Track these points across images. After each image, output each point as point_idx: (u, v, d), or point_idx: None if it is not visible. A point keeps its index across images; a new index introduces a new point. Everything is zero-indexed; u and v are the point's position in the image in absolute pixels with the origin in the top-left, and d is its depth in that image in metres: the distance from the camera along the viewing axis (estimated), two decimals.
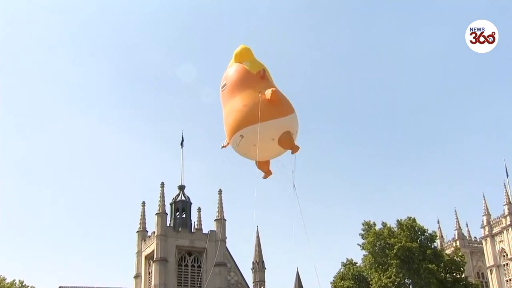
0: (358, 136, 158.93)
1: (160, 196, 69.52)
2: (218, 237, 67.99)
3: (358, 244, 61.69)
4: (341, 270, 64.81)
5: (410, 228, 59.85)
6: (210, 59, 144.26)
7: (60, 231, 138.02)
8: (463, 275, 61.53)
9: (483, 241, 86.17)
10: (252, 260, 76.26)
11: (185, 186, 72.71)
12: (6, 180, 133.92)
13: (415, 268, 56.85)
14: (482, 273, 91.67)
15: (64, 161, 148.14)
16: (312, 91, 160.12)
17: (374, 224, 61.65)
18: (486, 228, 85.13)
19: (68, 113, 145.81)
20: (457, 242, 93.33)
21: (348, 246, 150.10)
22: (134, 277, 70.83)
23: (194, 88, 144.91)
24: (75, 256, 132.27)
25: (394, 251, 57.29)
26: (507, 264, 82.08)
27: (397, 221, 61.20)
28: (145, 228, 72.42)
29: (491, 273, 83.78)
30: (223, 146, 18.54)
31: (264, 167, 18.22)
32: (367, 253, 60.90)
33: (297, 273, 78.60)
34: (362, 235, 61.16)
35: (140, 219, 72.99)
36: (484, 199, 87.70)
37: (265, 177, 18.33)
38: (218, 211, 70.21)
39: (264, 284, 75.57)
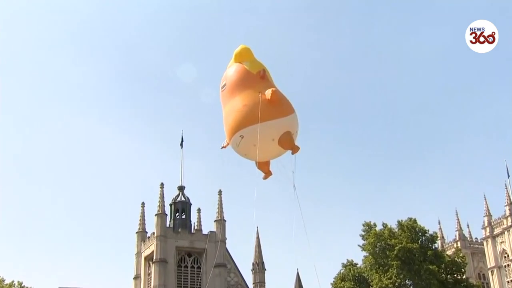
0: (358, 137, 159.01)
1: (159, 197, 69.49)
2: (218, 238, 67.92)
3: (359, 245, 61.61)
4: (342, 271, 64.58)
5: (411, 229, 59.67)
6: (210, 59, 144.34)
7: (59, 232, 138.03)
8: (464, 276, 61.37)
9: (484, 242, 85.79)
10: (252, 261, 75.99)
11: (184, 187, 72.85)
12: (6, 180, 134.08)
13: (415, 269, 56.65)
14: (483, 274, 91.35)
15: (63, 161, 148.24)
16: (312, 91, 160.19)
17: (375, 225, 61.51)
18: (487, 229, 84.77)
19: (67, 113, 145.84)
20: (458, 243, 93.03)
21: (349, 247, 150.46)
22: (134, 278, 70.82)
23: (194, 88, 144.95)
24: (75, 257, 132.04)
25: (395, 252, 57.09)
26: (508, 265, 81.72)
27: (398, 222, 61.08)
28: (145, 229, 72.38)
29: (492, 274, 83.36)
30: (223, 147, 18.46)
31: (264, 167, 18.13)
32: (367, 254, 60.72)
33: (297, 274, 78.65)
34: (362, 236, 60.97)
35: (140, 220, 72.94)
36: (485, 199, 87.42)
37: (265, 178, 18.23)
38: (218, 211, 70.15)
39: (264, 285, 75.27)
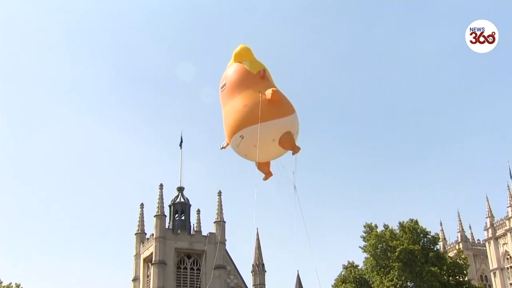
0: (359, 137, 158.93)
1: (158, 198, 69.22)
2: (218, 239, 67.47)
3: (360, 247, 61.35)
4: (343, 273, 64.27)
5: (412, 230, 59.42)
6: (210, 59, 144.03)
7: (57, 233, 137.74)
8: (466, 278, 61.11)
9: (487, 244, 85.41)
10: (252, 262, 75.58)
11: (184, 188, 72.49)
12: (4, 181, 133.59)
13: (417, 271, 56.35)
14: (486, 276, 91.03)
15: (61, 161, 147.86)
16: (312, 91, 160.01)
17: (376, 226, 61.26)
18: (490, 230, 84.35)
19: (66, 113, 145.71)
20: (460, 244, 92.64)
21: (350, 248, 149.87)
22: (133, 280, 70.42)
23: (194, 88, 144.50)
24: (73, 258, 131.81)
25: (396, 253, 56.79)
26: (511, 267, 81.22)
27: (399, 223, 60.83)
28: (144, 230, 72.05)
29: (494, 276, 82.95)
30: (222, 147, 18.29)
31: (264, 168, 17.91)
32: (368, 255, 60.48)
33: (298, 276, 78.43)
34: (363, 238, 60.75)
35: (139, 221, 72.64)
36: (488, 200, 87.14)
37: (265, 179, 18.02)
38: (217, 213, 69.86)
39: (264, 287, 74.77)
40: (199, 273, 66.35)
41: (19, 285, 64.70)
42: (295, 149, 17.46)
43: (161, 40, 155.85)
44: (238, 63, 18.24)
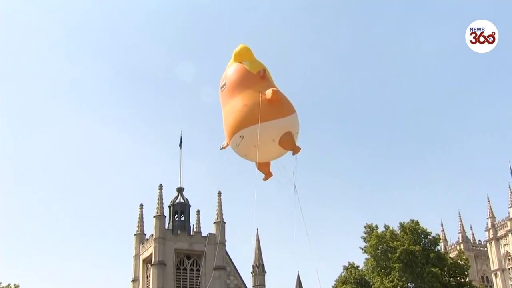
0: (359, 137, 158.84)
1: (158, 198, 69.18)
2: (217, 240, 67.38)
3: (360, 247, 60.98)
4: (343, 274, 64.01)
5: (413, 231, 59.11)
6: (210, 59, 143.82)
7: (56, 234, 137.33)
8: (467, 279, 60.78)
9: (488, 244, 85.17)
10: (252, 263, 75.32)
11: (183, 188, 72.41)
12: (2, 181, 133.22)
13: (418, 272, 56.06)
14: (487, 277, 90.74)
15: (61, 161, 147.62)
16: (312, 91, 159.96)
17: (377, 227, 60.97)
18: (491, 231, 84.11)
19: (65, 113, 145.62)
20: (461, 245, 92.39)
21: (350, 249, 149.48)
22: (132, 281, 70.28)
23: (194, 88, 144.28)
24: (72, 259, 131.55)
25: (397, 254, 56.51)
26: None
27: (400, 224, 60.50)
28: (143, 231, 71.90)
29: (495, 277, 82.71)
30: (222, 147, 18.23)
31: (264, 168, 17.86)
32: (369, 256, 60.16)
33: (298, 276, 78.09)
34: (364, 238, 60.45)
35: (138, 221, 72.55)
36: (489, 201, 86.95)
37: (265, 179, 17.98)
38: (217, 213, 69.79)
39: None
40: (199, 274, 66.29)
41: (18, 286, 64.30)
42: (296, 150, 17.39)
43: (161, 40, 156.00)
44: (238, 63, 18.17)
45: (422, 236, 59.40)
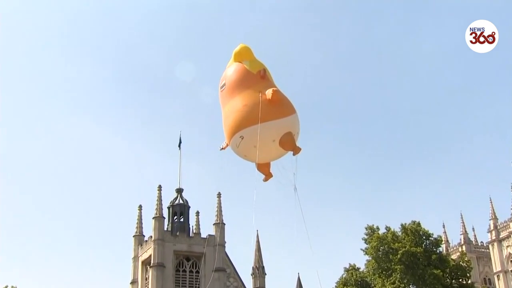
0: (359, 137, 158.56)
1: (157, 199, 69.04)
2: (217, 241, 67.38)
3: (361, 249, 60.65)
4: (344, 276, 63.64)
5: (415, 232, 58.76)
6: (210, 59, 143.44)
7: (54, 236, 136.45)
8: (469, 281, 60.45)
9: (490, 246, 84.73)
10: (252, 265, 74.98)
11: (183, 189, 72.20)
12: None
13: (419, 274, 55.70)
14: (489, 279, 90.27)
15: (59, 162, 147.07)
16: (313, 91, 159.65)
17: (378, 228, 60.63)
18: (493, 232, 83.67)
19: (63, 113, 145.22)
20: (463, 247, 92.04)
21: (351, 251, 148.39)
22: (131, 283, 69.99)
23: (193, 88, 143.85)
24: (70, 261, 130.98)
25: (398, 256, 56.13)
26: None
27: (401, 225, 60.15)
28: (142, 232, 71.70)
29: (498, 279, 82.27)
30: (222, 148, 18.23)
31: (264, 169, 17.86)
32: (370, 258, 59.85)
33: (298, 278, 77.71)
34: (365, 240, 60.15)
35: (137, 223, 72.46)
36: (491, 202, 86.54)
37: (265, 180, 17.99)
38: (217, 214, 69.69)
39: None
40: (198, 276, 66.15)
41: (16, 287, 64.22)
42: (296, 150, 17.34)
43: (161, 40, 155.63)
44: (238, 63, 18.12)
45: (424, 237, 59.06)
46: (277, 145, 17.06)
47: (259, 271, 74.21)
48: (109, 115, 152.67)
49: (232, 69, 18.08)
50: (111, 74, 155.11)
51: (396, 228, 60.30)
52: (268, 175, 17.89)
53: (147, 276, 67.66)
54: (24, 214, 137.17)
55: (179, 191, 71.45)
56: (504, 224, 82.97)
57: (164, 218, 68.48)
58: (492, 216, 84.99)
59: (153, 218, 67.85)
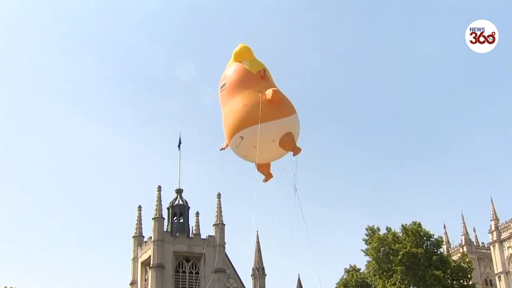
0: (359, 137, 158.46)
1: (157, 200, 68.85)
2: (217, 242, 67.26)
3: (362, 250, 60.55)
4: (344, 277, 63.55)
5: (415, 233, 58.63)
6: (210, 59, 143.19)
7: (54, 236, 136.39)
8: (470, 282, 60.31)
9: (491, 247, 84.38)
10: (252, 266, 74.98)
11: (182, 190, 72.05)
12: None
13: (420, 275, 55.56)
14: (490, 280, 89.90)
15: (59, 162, 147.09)
16: (313, 91, 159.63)
17: (378, 229, 60.52)
18: (494, 233, 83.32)
19: (62, 114, 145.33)
20: (464, 247, 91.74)
21: (351, 251, 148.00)
22: (130, 284, 69.86)
23: (193, 88, 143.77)
24: (70, 262, 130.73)
25: (399, 257, 56.01)
26: None
27: (402, 226, 60.05)
28: (141, 233, 71.58)
29: (499, 280, 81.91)
30: (222, 148, 18.15)
31: (264, 169, 17.80)
32: (371, 259, 59.77)
33: (299, 279, 77.79)
34: (365, 241, 60.05)
35: (136, 223, 72.30)
36: (492, 203, 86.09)
37: (265, 180, 17.93)
38: (216, 215, 69.55)
39: None
40: (198, 277, 66.02)
41: None
42: (296, 150, 17.25)
43: (161, 40, 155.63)
44: (238, 63, 18.05)
45: (425, 238, 58.95)
46: (277, 146, 16.96)
47: (259, 272, 74.15)
48: (109, 115, 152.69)
49: (232, 69, 18.01)
50: (111, 74, 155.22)
51: (397, 228, 60.26)
52: (268, 176, 17.80)
53: (146, 277, 67.48)
54: (24, 214, 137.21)
55: (179, 191, 71.30)
56: (506, 225, 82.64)
57: (164, 218, 68.31)
58: (493, 217, 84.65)
59: (152, 218, 67.67)
